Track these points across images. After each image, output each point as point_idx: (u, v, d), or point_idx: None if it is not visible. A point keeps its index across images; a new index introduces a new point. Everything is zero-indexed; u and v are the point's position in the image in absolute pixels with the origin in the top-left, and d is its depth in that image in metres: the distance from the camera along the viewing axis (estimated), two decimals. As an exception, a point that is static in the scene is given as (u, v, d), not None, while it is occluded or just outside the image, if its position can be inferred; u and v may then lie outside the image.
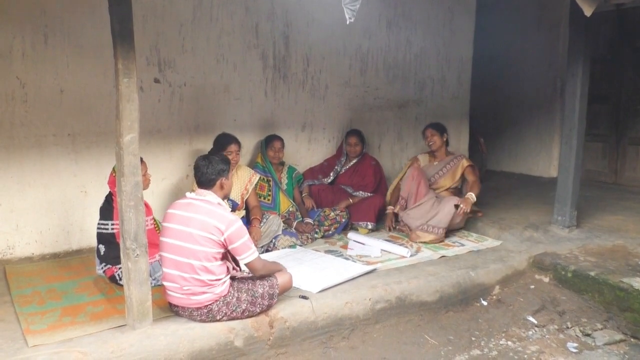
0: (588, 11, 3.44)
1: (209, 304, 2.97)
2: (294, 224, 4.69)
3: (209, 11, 4.71)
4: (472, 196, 4.66)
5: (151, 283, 3.07)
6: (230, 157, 4.17)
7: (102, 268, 3.61)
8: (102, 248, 3.58)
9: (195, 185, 3.15)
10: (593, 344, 3.42)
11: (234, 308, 3.00)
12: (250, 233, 3.53)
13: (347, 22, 2.99)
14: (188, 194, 3.13)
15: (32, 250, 4.21)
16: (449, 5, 6.24)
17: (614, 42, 6.50)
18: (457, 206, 4.56)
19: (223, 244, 2.96)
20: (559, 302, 3.84)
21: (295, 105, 5.37)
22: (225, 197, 3.22)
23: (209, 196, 3.06)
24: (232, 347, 2.94)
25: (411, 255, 4.22)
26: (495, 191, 6.15)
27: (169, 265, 3.01)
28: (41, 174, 4.18)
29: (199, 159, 3.17)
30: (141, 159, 2.99)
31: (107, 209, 3.60)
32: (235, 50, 4.90)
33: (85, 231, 4.32)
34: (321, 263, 3.94)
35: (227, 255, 3.10)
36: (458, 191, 5.01)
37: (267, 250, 4.32)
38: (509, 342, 3.44)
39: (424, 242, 4.54)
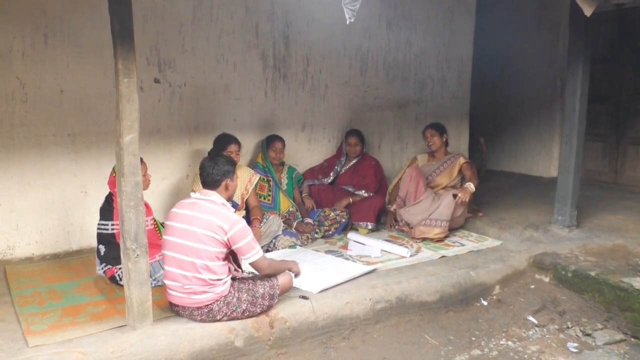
0: (588, 11, 3.44)
1: (210, 304, 2.97)
2: (294, 224, 4.69)
3: (209, 11, 4.71)
4: (470, 186, 4.63)
5: (151, 283, 3.08)
6: (230, 157, 4.17)
7: (102, 268, 3.61)
8: (102, 248, 3.58)
9: (197, 186, 3.15)
10: (593, 343, 3.42)
11: (234, 308, 3.01)
12: (250, 233, 3.54)
13: (347, 22, 3.00)
14: (192, 194, 3.15)
15: (33, 250, 4.21)
16: (449, 5, 6.24)
17: (614, 42, 6.50)
18: (455, 196, 4.55)
19: (226, 244, 2.97)
20: (559, 302, 3.84)
21: (295, 105, 5.37)
22: (230, 198, 3.24)
23: (213, 196, 3.08)
24: (232, 347, 2.94)
25: (411, 256, 4.22)
26: (495, 191, 6.15)
27: (171, 264, 3.01)
28: (41, 174, 4.18)
29: (204, 159, 3.19)
30: (141, 159, 2.99)
31: (107, 210, 3.60)
32: (235, 50, 4.90)
33: (85, 231, 4.32)
34: (321, 263, 3.94)
35: (229, 257, 3.10)
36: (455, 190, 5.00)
37: (267, 251, 4.31)
38: (509, 342, 3.44)
39: (429, 238, 4.53)
